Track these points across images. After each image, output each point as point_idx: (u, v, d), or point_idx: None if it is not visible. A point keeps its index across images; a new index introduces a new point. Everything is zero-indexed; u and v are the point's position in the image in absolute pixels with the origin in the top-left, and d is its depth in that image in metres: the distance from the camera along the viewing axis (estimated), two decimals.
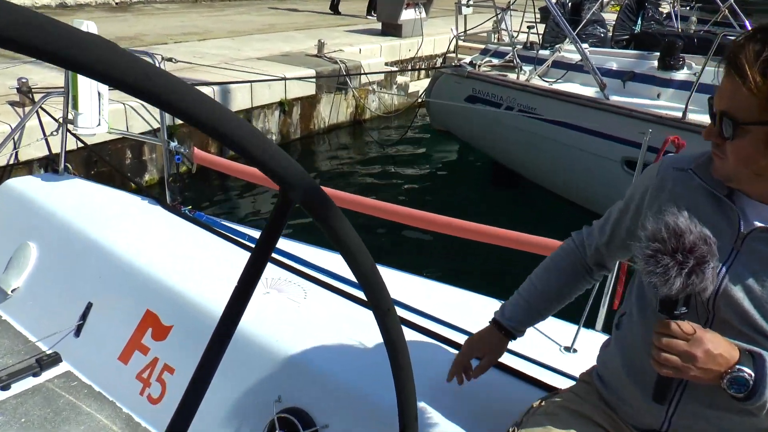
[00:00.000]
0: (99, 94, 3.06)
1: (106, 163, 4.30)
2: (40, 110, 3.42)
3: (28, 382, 2.48)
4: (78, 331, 2.62)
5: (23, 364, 2.55)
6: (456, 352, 2.05)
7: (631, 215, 1.50)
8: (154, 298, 2.43)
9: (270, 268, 2.61)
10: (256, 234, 2.92)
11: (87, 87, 2.99)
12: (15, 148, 4.48)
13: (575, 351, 2.28)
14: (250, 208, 6.22)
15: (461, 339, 2.14)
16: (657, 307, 1.25)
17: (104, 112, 3.12)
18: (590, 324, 2.45)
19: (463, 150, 9.26)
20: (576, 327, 2.33)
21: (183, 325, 2.32)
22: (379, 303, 0.92)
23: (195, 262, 2.62)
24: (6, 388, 2.43)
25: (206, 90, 7.39)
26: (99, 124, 3.12)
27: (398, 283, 2.69)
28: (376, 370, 1.96)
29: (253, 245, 2.84)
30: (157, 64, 3.05)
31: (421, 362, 1.91)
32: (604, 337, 2.35)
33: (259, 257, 0.83)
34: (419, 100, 9.75)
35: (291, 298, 2.33)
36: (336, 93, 9.70)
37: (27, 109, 5.08)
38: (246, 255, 2.78)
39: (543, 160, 7.04)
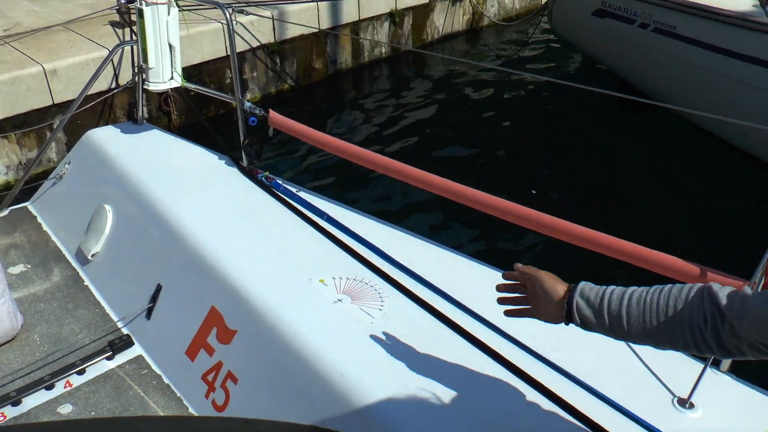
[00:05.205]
0: (170, 46, 2.78)
1: (200, 120, 4.08)
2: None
3: (101, 367, 2.42)
4: (149, 313, 2.50)
5: (97, 344, 2.49)
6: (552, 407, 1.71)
7: None
8: (220, 295, 2.23)
9: (348, 262, 2.31)
10: (336, 212, 2.61)
11: (156, 40, 2.72)
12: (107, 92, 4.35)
13: (692, 407, 1.74)
14: (329, 177, 5.63)
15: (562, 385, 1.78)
16: None
17: (177, 65, 2.85)
18: (716, 362, 1.85)
19: (586, 65, 8.31)
20: (698, 366, 1.77)
21: (247, 332, 2.10)
22: None
23: (264, 250, 2.38)
24: (81, 372, 2.38)
25: (311, 6, 6.98)
26: (171, 78, 2.87)
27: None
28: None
29: (331, 228, 2.59)
30: (228, 16, 2.72)
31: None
32: (738, 386, 1.80)
33: None
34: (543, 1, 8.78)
35: (365, 309, 2.03)
36: None
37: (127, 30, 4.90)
38: (322, 240, 2.52)
39: (681, 87, 6.05)
